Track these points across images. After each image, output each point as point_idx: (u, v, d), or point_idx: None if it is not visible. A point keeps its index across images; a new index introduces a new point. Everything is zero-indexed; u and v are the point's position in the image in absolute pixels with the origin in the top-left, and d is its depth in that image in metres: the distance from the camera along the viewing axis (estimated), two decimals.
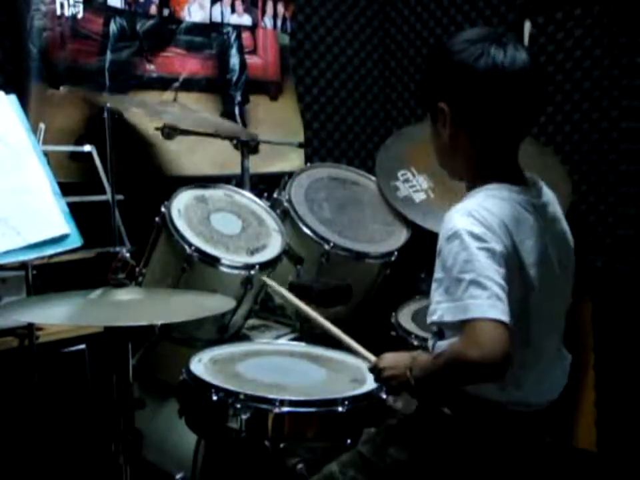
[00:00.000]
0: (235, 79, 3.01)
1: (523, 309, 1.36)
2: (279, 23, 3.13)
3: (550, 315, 1.44)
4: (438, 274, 1.33)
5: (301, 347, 2.09)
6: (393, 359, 1.48)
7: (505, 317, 1.25)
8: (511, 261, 1.32)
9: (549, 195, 1.47)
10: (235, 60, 3.00)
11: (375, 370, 1.52)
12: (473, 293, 1.26)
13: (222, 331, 2.20)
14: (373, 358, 1.60)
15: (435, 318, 1.32)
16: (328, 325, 1.80)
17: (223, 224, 2.21)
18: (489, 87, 1.34)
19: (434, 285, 1.34)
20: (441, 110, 1.39)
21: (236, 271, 2.10)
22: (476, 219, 1.31)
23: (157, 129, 2.51)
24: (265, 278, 2.13)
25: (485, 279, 1.26)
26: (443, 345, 1.39)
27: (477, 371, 1.27)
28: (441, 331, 1.42)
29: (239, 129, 2.74)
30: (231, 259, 2.10)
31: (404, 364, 1.41)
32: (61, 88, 2.50)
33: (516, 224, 1.34)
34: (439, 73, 1.40)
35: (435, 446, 1.45)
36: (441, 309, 1.31)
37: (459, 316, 1.28)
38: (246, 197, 2.37)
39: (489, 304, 1.25)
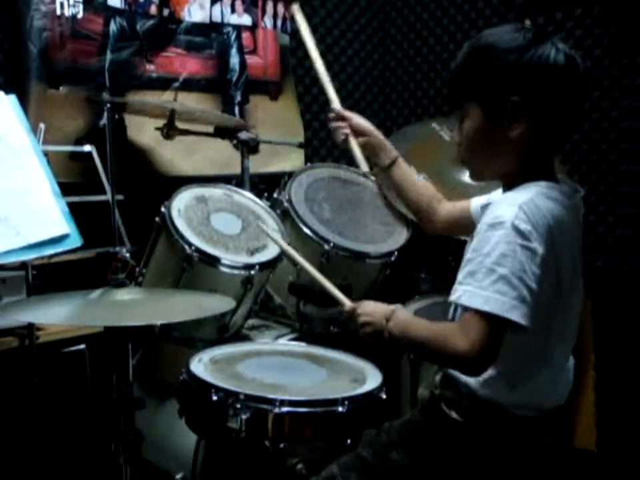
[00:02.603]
0: (234, 79, 3.01)
1: (550, 311, 1.36)
2: (279, 23, 3.13)
3: (572, 317, 1.45)
4: (470, 255, 1.32)
5: (301, 346, 2.09)
6: (372, 307, 1.49)
7: (523, 320, 1.25)
8: (550, 264, 1.31)
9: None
10: (234, 60, 3.00)
11: (352, 314, 1.52)
12: (501, 289, 1.25)
13: (222, 330, 2.19)
14: (349, 302, 1.58)
15: (453, 297, 1.32)
16: (307, 265, 1.77)
17: (222, 224, 2.21)
18: (567, 79, 1.36)
19: (462, 264, 1.33)
20: (512, 104, 1.34)
21: (236, 271, 2.10)
22: (525, 213, 1.28)
23: (156, 128, 2.51)
24: (260, 224, 2.16)
25: (516, 279, 1.25)
26: None
27: (457, 361, 1.30)
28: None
29: (241, 123, 2.73)
30: (231, 258, 2.10)
31: (382, 314, 1.43)
32: (61, 88, 2.50)
33: (559, 228, 1.33)
34: (511, 69, 1.34)
35: (438, 451, 1.45)
36: (460, 290, 1.31)
37: (477, 304, 1.27)
38: (246, 197, 2.37)
39: (512, 304, 1.25)
